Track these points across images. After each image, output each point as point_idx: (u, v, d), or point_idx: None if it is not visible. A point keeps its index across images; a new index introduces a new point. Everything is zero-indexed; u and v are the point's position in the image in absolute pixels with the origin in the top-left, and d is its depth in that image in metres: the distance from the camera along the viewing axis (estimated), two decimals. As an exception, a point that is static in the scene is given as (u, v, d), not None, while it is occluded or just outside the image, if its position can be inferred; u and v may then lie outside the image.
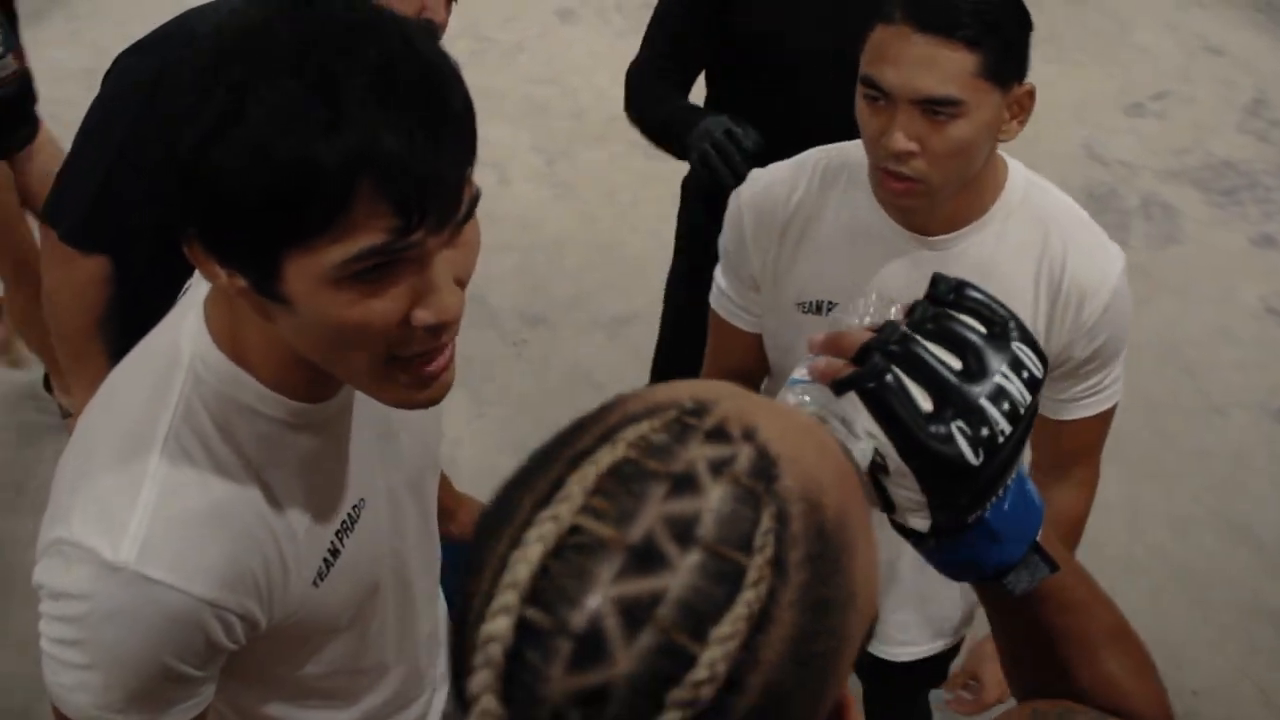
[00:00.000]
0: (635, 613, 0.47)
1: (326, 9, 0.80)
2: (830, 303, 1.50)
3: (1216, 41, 4.91)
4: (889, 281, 1.45)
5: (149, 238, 1.62)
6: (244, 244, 0.81)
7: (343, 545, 1.03)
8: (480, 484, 1.96)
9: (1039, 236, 1.44)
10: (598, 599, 0.47)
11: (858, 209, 1.47)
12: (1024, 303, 1.44)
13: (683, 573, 0.48)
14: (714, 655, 0.47)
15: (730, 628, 0.47)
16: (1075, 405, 1.52)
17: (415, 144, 0.77)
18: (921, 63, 1.28)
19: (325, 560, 1.02)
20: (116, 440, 0.93)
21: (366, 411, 1.04)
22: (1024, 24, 1.35)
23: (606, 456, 0.51)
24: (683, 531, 0.49)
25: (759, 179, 1.55)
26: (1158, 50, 4.82)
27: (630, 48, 2.02)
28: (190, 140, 0.77)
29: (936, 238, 1.44)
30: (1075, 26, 4.82)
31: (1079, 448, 1.58)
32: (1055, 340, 1.45)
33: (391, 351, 0.85)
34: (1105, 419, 1.55)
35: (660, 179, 2.92)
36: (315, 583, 1.01)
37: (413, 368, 0.87)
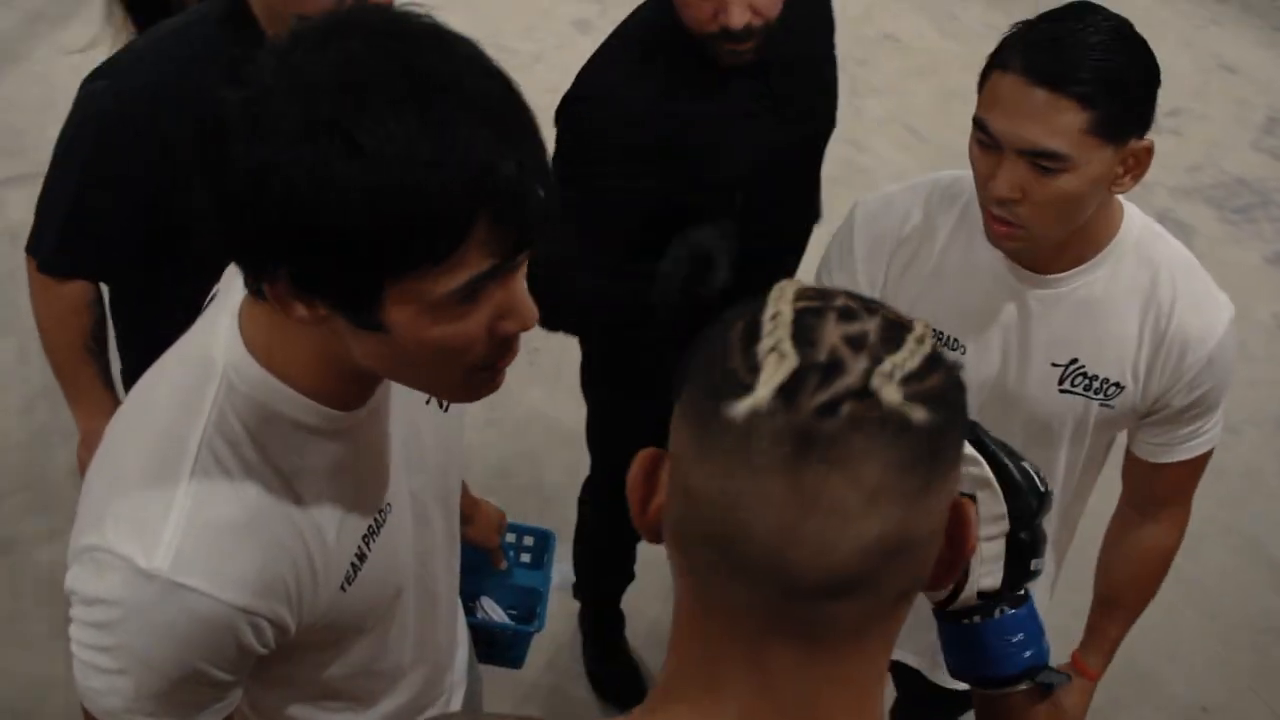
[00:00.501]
0: (865, 305, 0.68)
1: (401, 32, 0.79)
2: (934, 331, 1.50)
3: (1231, 60, 4.91)
4: (995, 315, 1.46)
5: (135, 246, 1.64)
6: (347, 279, 0.81)
7: (369, 549, 1.04)
8: (492, 491, 1.97)
9: (1148, 281, 1.44)
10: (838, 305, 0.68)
11: (969, 241, 1.46)
12: (1128, 346, 1.45)
13: (878, 315, 0.68)
14: (919, 330, 0.68)
15: (921, 330, 0.68)
16: (1173, 450, 1.52)
17: (522, 171, 0.79)
18: (1031, 114, 1.27)
19: (353, 565, 1.03)
20: (149, 448, 0.94)
21: (393, 417, 1.05)
22: (1150, 80, 1.31)
23: (792, 286, 0.70)
24: (869, 304, 0.69)
25: (876, 198, 1.54)
26: (1172, 68, 4.79)
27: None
28: (299, 182, 0.76)
29: (1046, 276, 1.44)
30: (1090, 42, 4.81)
31: (1173, 490, 1.59)
32: (1154, 385, 1.46)
33: (480, 362, 0.88)
34: (1202, 462, 1.55)
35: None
36: (343, 587, 1.02)
37: (490, 370, 0.91)
